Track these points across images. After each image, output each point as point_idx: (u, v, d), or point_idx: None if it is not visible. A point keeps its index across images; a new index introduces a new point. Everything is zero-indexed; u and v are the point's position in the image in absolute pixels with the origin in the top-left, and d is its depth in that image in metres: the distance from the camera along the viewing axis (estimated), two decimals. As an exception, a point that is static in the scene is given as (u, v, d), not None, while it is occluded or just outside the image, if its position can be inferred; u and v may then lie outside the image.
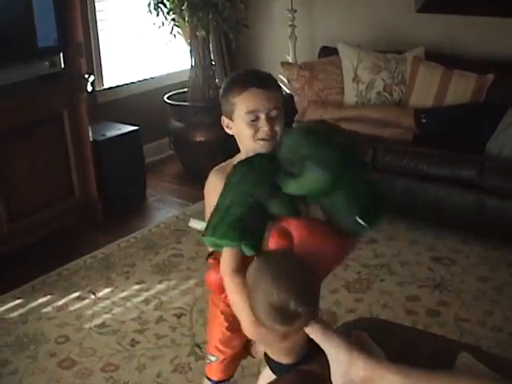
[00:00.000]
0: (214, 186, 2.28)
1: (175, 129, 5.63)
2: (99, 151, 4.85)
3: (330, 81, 5.11)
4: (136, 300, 3.89)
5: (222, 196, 2.04)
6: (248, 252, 1.95)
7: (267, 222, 1.99)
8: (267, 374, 2.12)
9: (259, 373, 2.33)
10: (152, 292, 3.96)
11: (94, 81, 4.87)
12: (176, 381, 3.18)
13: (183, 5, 5.34)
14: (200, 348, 3.38)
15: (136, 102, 5.77)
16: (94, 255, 4.42)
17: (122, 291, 3.98)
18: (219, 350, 2.43)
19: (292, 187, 1.95)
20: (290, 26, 5.72)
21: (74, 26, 4.51)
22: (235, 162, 2.17)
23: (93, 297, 3.95)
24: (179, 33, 5.72)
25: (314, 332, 1.95)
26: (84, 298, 3.93)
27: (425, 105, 4.84)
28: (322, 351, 1.95)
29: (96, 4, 5.46)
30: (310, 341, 1.96)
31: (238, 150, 2.35)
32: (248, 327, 1.95)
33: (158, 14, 5.45)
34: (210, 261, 2.20)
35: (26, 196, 4.31)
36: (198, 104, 5.59)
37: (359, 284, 3.97)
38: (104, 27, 5.58)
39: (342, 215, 1.97)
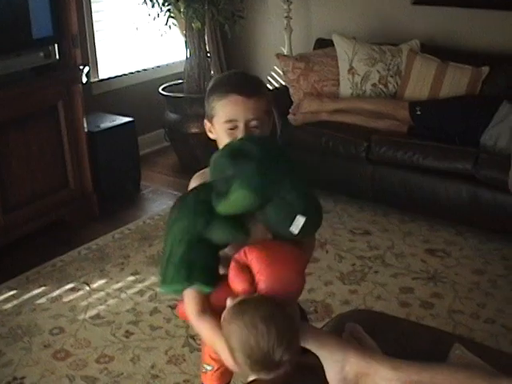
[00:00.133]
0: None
1: (170, 120, 5.62)
2: (94, 142, 4.85)
3: (326, 72, 5.10)
4: (130, 291, 3.89)
5: (164, 240, 1.98)
6: (204, 289, 1.90)
7: (215, 252, 1.94)
8: None
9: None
10: (146, 283, 3.96)
11: (89, 72, 4.86)
12: (170, 372, 3.18)
13: (178, -4, 5.34)
14: (194, 339, 3.38)
15: (131, 94, 5.77)
16: (88, 246, 4.42)
17: (117, 282, 3.98)
18: (213, 360, 2.41)
19: (223, 208, 1.91)
20: (286, 17, 5.71)
21: (69, 16, 4.50)
22: None
23: (87, 288, 3.95)
24: (174, 24, 5.72)
25: (303, 339, 1.95)
26: (78, 290, 3.93)
27: (420, 97, 4.84)
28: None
29: (91, -5, 5.45)
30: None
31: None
32: (229, 365, 1.87)
33: (153, 5, 5.45)
34: None
35: (21, 187, 4.30)
36: (193, 95, 5.58)
37: (353, 276, 3.97)
38: (99, 18, 5.57)
39: (278, 228, 1.93)
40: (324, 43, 5.40)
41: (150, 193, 5.26)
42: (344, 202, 4.91)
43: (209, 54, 5.76)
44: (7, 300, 3.85)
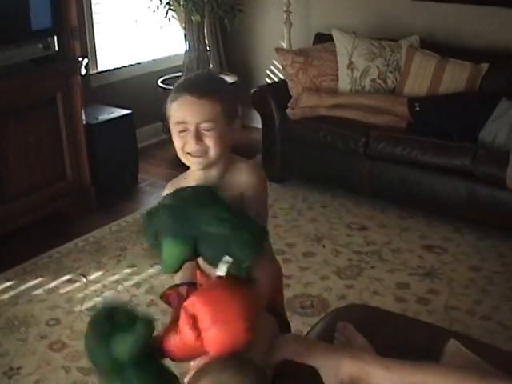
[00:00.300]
0: None
1: (169, 113, 5.60)
2: (92, 135, 4.84)
3: (325, 67, 5.10)
4: (127, 283, 3.89)
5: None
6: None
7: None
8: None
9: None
10: (143, 276, 3.96)
11: (87, 64, 4.86)
12: (166, 364, 3.18)
13: (178, -11, 5.34)
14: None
15: (130, 86, 5.76)
16: (85, 238, 4.42)
17: (114, 275, 3.98)
18: None
19: (165, 269, 1.96)
20: (285, 11, 5.71)
21: (68, 8, 4.50)
22: (189, 174, 2.17)
23: (84, 280, 3.95)
24: (174, 17, 5.71)
25: (295, 355, 1.96)
26: (75, 281, 3.93)
27: (419, 93, 4.84)
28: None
29: (91, -13, 5.45)
30: None
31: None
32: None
33: (152, -2, 5.45)
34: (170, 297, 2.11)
35: (19, 179, 4.30)
36: (192, 89, 5.56)
37: (350, 271, 3.98)
38: (98, 10, 5.56)
39: (214, 264, 1.92)
40: (323, 38, 5.40)
41: (148, 186, 5.26)
42: (342, 196, 4.91)
43: (208, 48, 5.76)
44: (4, 291, 3.85)
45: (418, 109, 4.60)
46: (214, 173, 2.14)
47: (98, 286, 3.87)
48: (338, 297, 3.70)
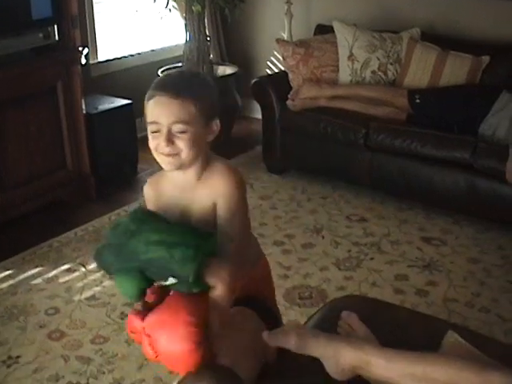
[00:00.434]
0: (148, 198, 2.31)
1: (169, 103, 5.60)
2: (92, 124, 4.84)
3: (325, 59, 5.10)
4: (126, 273, 3.89)
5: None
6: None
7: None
8: None
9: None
10: (142, 266, 3.96)
11: (88, 53, 4.85)
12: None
13: (179, -21, 5.33)
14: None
15: (130, 76, 5.75)
16: (85, 228, 4.43)
17: (113, 265, 3.98)
18: None
19: (129, 299, 2.04)
20: (286, 2, 5.70)
21: (68, -3, 4.50)
22: (167, 173, 2.17)
23: (83, 269, 3.95)
24: (174, 7, 5.70)
25: (292, 346, 1.96)
26: (74, 271, 3.94)
27: (419, 85, 4.84)
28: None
29: (91, -24, 5.43)
30: None
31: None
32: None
33: (153, -12, 5.44)
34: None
35: (19, 167, 4.31)
36: (192, 79, 5.56)
37: (349, 262, 3.98)
38: (99, 0, 5.54)
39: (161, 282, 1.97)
40: (324, 29, 5.39)
41: (147, 175, 5.20)
42: (341, 188, 4.91)
43: (208, 38, 5.75)
44: (3, 280, 3.85)
45: (418, 101, 4.60)
46: (190, 173, 2.14)
47: (98, 275, 3.87)
48: (337, 288, 3.70)
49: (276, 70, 6.12)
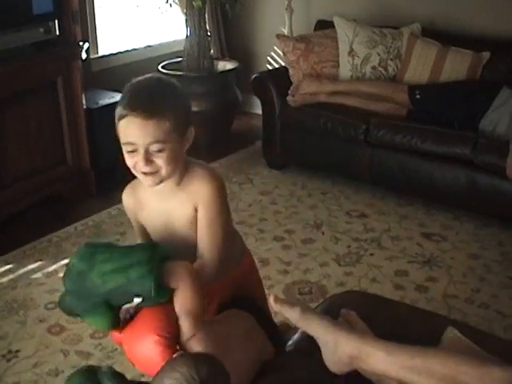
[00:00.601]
0: (127, 208, 2.35)
1: (169, 98, 5.59)
2: (92, 119, 4.83)
3: (326, 54, 5.09)
4: (126, 268, 3.89)
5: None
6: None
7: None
8: None
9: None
10: (142, 261, 3.96)
11: (88, 48, 4.85)
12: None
13: (180, -26, 5.32)
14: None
15: (130, 71, 5.71)
16: (85, 222, 4.43)
17: (113, 259, 3.98)
18: None
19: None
20: (287, -3, 5.71)
21: (69, -8, 4.49)
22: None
23: (83, 264, 3.95)
24: (175, 2, 5.70)
25: (294, 318, 1.97)
26: (74, 265, 3.94)
27: (420, 81, 4.83)
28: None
29: (92, -29, 5.42)
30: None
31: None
32: None
33: (154, -17, 5.43)
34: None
35: (19, 162, 4.30)
36: (193, 74, 5.57)
37: (349, 258, 3.98)
38: (100, -6, 5.55)
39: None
40: (325, 25, 5.38)
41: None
42: (341, 183, 4.91)
43: (209, 33, 5.74)
44: (3, 274, 3.86)
45: (418, 97, 4.60)
46: (169, 182, 2.14)
47: (97, 270, 3.87)
48: (337, 284, 3.71)
49: (276, 66, 6.12)
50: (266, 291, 2.77)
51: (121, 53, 5.77)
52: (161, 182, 2.10)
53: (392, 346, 1.83)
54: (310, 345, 2.04)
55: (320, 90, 4.89)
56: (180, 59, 5.74)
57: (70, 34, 4.54)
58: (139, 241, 2.43)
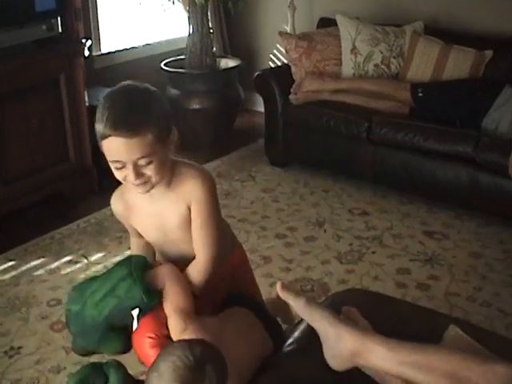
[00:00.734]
0: (117, 214, 2.36)
1: (171, 96, 5.61)
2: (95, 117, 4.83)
3: (328, 52, 5.09)
4: (128, 266, 3.90)
5: None
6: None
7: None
8: None
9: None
10: (144, 258, 3.97)
11: (91, 45, 4.85)
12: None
13: (183, -29, 5.32)
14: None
15: (133, 68, 5.75)
16: (87, 220, 4.43)
17: (115, 256, 3.99)
18: None
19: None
20: (290, -5, 5.70)
21: (72, -11, 4.49)
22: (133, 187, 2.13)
23: (85, 261, 3.96)
24: (178, -1, 5.70)
25: (298, 308, 1.97)
26: (76, 262, 3.95)
27: (422, 79, 4.83)
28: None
29: (95, -32, 5.43)
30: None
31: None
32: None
33: (157, -20, 5.43)
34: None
35: (21, 160, 4.31)
36: (195, 71, 5.57)
37: (351, 255, 3.98)
38: (102, -9, 5.55)
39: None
40: (327, 22, 5.38)
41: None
42: (343, 181, 4.91)
43: (211, 31, 5.74)
44: (5, 271, 3.86)
45: (420, 95, 4.59)
46: (159, 185, 2.15)
47: (100, 267, 3.88)
48: (339, 281, 3.71)
49: (279, 63, 6.12)
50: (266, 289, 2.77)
51: (123, 50, 5.77)
52: (152, 188, 2.11)
53: (393, 343, 1.84)
54: (309, 343, 2.04)
55: (322, 87, 4.89)
56: (182, 57, 5.74)
57: (73, 32, 4.54)
58: (133, 241, 2.48)
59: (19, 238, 4.17)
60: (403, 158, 4.51)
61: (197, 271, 2.23)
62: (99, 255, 4.01)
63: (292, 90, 4.98)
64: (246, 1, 5.76)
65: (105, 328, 2.10)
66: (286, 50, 5.16)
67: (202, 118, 5.52)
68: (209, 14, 5.71)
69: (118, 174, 2.07)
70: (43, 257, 4.00)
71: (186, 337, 2.01)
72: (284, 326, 2.58)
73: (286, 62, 5.39)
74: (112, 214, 4.41)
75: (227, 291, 2.49)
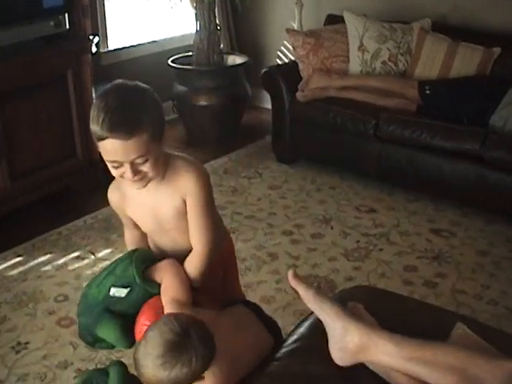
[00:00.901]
0: (114, 205, 2.45)
1: (179, 92, 5.61)
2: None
3: (335, 49, 5.09)
4: (135, 262, 3.90)
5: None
6: None
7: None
8: None
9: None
10: (151, 254, 3.97)
11: (98, 42, 4.85)
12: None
13: (190, -32, 5.32)
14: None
15: (140, 65, 5.75)
16: (94, 216, 4.44)
17: (122, 252, 3.96)
18: None
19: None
20: (297, -8, 5.70)
21: (79, -14, 4.50)
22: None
23: (92, 257, 3.97)
24: (185, -4, 5.70)
25: (307, 297, 1.98)
26: (84, 258, 3.95)
27: (430, 76, 4.82)
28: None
29: (103, -36, 5.43)
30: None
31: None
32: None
33: (164, -23, 5.43)
34: None
35: (29, 155, 4.31)
36: (203, 68, 5.57)
37: (358, 253, 3.98)
38: (110, -12, 5.56)
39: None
40: (334, 19, 5.38)
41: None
42: (350, 178, 4.91)
43: (219, 27, 5.74)
44: (13, 266, 3.87)
45: (428, 92, 4.59)
46: (154, 179, 2.20)
47: (107, 263, 3.84)
48: (346, 278, 3.71)
49: (286, 60, 6.12)
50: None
51: (130, 47, 5.78)
52: (149, 182, 2.18)
53: (400, 338, 1.84)
54: (315, 339, 2.05)
55: (329, 84, 4.89)
56: (190, 53, 5.74)
57: (80, 28, 4.55)
58: (127, 234, 2.55)
59: (27, 234, 4.18)
60: (410, 155, 4.50)
61: (195, 262, 2.30)
62: (106, 251, 4.01)
63: (299, 87, 4.97)
64: (254, -2, 5.76)
65: (102, 308, 2.20)
66: (294, 47, 5.16)
67: (209, 115, 5.52)
68: (216, 10, 5.71)
69: (115, 172, 2.13)
70: (51, 253, 4.01)
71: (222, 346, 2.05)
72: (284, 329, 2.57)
73: (293, 58, 5.39)
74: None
75: (222, 281, 2.57)
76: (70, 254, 4.00)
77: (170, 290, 2.16)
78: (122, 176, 2.12)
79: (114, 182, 2.38)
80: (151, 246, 2.50)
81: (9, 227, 4.25)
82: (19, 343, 3.22)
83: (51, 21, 4.33)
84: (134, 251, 2.30)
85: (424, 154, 4.44)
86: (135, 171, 2.08)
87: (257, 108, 6.31)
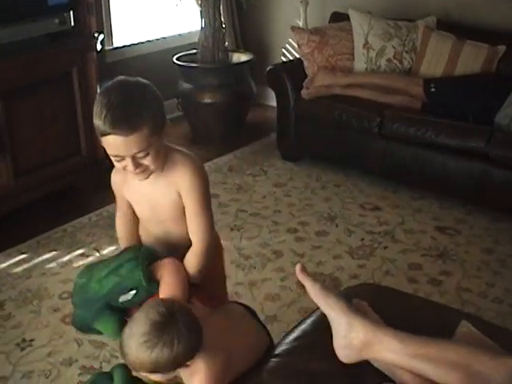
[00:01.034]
0: (115, 187, 2.50)
1: (184, 90, 5.61)
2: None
3: (340, 47, 5.08)
4: (140, 259, 3.90)
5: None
6: None
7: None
8: None
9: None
10: (156, 251, 3.97)
11: (103, 40, 4.85)
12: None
13: (195, -35, 5.32)
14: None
15: (145, 62, 5.75)
16: (99, 213, 4.45)
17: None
18: None
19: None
20: (302, -10, 5.69)
21: (84, -17, 4.50)
22: None
23: (97, 254, 3.97)
24: (190, -7, 5.70)
25: (313, 291, 1.98)
26: (88, 255, 3.96)
27: (434, 74, 4.82)
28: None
29: (107, -39, 5.43)
30: None
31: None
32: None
33: (169, -26, 5.43)
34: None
35: (33, 153, 4.31)
36: (207, 66, 5.57)
37: (362, 250, 3.98)
38: (115, -15, 5.56)
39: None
40: (339, 17, 5.37)
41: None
42: (355, 176, 4.91)
43: (223, 25, 5.73)
44: (18, 263, 3.88)
45: (433, 90, 4.58)
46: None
47: (111, 260, 3.89)
48: (350, 276, 3.70)
49: (291, 58, 6.12)
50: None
51: (135, 44, 5.78)
52: (150, 174, 2.22)
53: (405, 335, 1.84)
54: (317, 336, 2.05)
55: (334, 82, 4.88)
56: (194, 51, 5.74)
57: (85, 26, 4.55)
58: (118, 217, 2.64)
59: (31, 231, 4.18)
60: (415, 152, 4.49)
61: (193, 259, 2.33)
62: (111, 248, 4.01)
63: (304, 85, 4.97)
64: (259, -5, 5.76)
65: (103, 304, 2.21)
66: (299, 45, 5.15)
67: (214, 112, 5.52)
68: (221, 8, 5.70)
69: (118, 165, 2.18)
70: (55, 250, 4.02)
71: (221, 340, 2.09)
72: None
73: (298, 56, 5.38)
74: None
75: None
76: (74, 251, 4.01)
77: (167, 289, 2.18)
78: (124, 169, 2.17)
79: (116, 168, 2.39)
80: (142, 231, 2.54)
81: (13, 225, 4.25)
82: (24, 340, 3.23)
83: (56, 18, 4.33)
84: (139, 249, 2.31)
85: (429, 151, 4.43)
86: (137, 164, 2.14)
87: (262, 106, 6.31)
